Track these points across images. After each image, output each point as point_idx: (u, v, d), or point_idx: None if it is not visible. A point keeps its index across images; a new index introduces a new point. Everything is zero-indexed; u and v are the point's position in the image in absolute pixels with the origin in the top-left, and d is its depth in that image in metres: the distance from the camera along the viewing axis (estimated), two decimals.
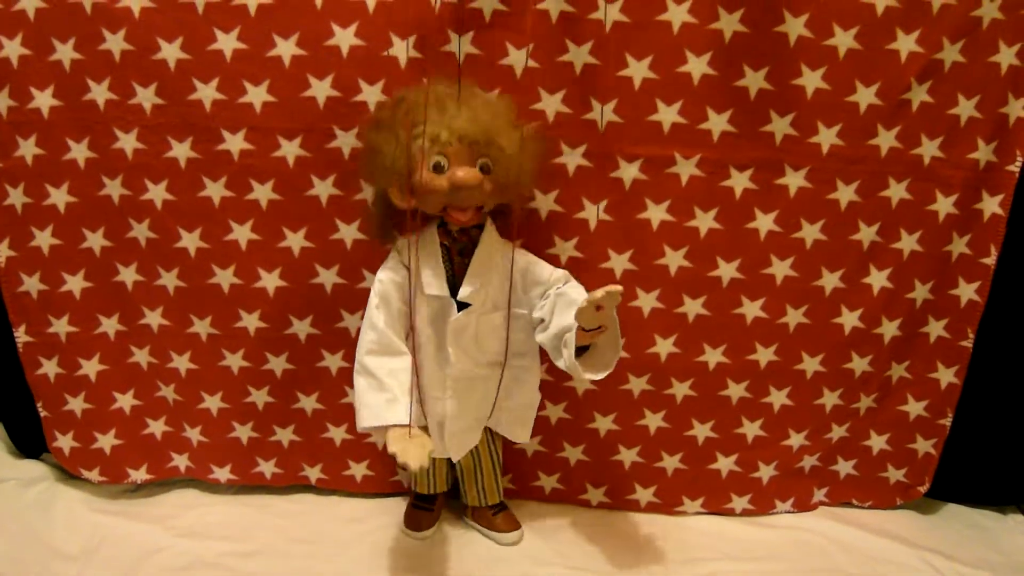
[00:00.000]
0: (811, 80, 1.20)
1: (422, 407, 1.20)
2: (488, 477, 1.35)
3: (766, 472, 1.44)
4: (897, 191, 1.27)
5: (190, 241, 1.29)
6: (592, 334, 1.05)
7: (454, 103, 1.09)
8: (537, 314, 1.17)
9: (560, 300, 1.13)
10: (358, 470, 1.44)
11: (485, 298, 1.17)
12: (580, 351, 1.08)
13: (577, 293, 1.13)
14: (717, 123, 1.22)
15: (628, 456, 1.42)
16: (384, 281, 1.15)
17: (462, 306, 1.15)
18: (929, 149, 1.25)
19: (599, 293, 0.97)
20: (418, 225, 1.13)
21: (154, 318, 1.36)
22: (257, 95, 1.21)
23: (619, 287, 0.97)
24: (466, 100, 1.10)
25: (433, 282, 1.15)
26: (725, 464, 1.43)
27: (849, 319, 1.34)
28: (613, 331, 1.07)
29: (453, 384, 1.19)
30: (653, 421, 1.40)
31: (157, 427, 1.44)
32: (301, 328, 1.35)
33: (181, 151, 1.24)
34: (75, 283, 1.34)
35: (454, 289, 1.16)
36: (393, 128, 1.07)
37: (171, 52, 1.19)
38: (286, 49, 1.19)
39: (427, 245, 1.16)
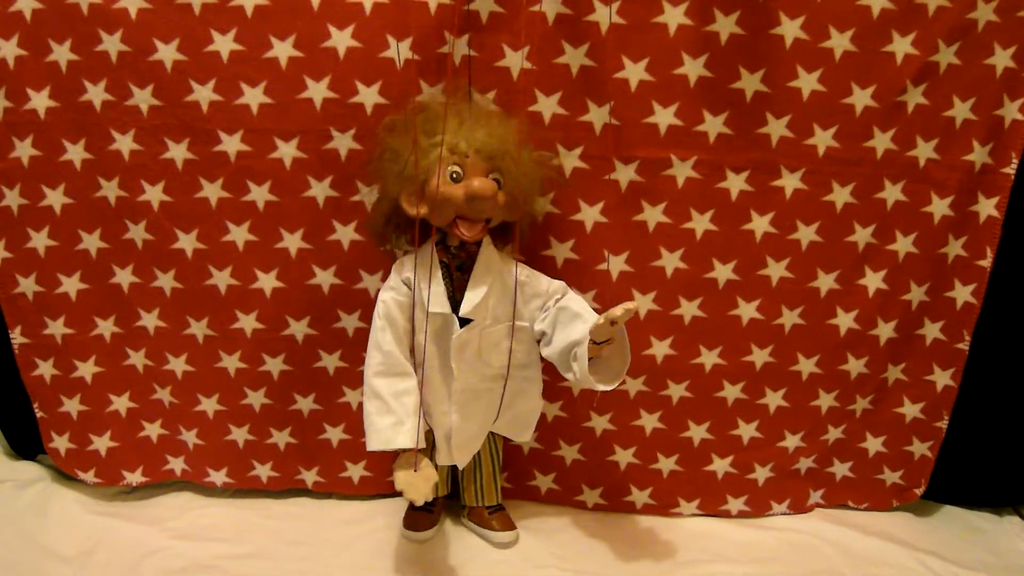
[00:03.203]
0: (807, 82, 1.20)
1: (428, 421, 1.21)
2: (487, 477, 1.35)
3: (762, 474, 1.44)
4: (892, 193, 1.27)
5: (187, 242, 1.29)
6: (601, 346, 1.07)
7: (472, 115, 1.11)
8: (539, 327, 1.18)
9: (562, 314, 1.14)
10: (355, 471, 1.44)
11: (486, 313, 1.17)
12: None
13: (578, 306, 1.14)
14: (713, 125, 1.22)
15: (624, 457, 1.42)
16: (387, 301, 1.16)
17: (463, 322, 1.16)
18: (924, 151, 1.25)
19: (618, 311, 0.99)
20: (418, 235, 1.14)
21: (150, 320, 1.36)
22: (254, 96, 1.21)
23: (636, 304, 1.01)
24: (481, 113, 1.12)
25: (435, 299, 1.15)
26: (721, 466, 1.43)
27: (845, 321, 1.34)
28: (621, 342, 1.09)
29: (458, 398, 1.19)
30: (649, 422, 1.40)
31: (153, 429, 1.44)
32: (298, 329, 1.34)
33: (178, 152, 1.24)
34: (71, 285, 1.34)
35: (455, 305, 1.16)
36: (411, 133, 1.08)
37: (168, 53, 1.19)
38: (283, 51, 1.19)
39: (426, 263, 1.16)
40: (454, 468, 1.35)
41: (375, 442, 1.12)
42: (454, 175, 1.08)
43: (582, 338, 1.07)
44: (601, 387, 1.09)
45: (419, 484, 1.09)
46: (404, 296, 1.16)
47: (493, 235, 1.20)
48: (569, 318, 1.12)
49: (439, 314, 1.16)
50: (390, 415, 1.12)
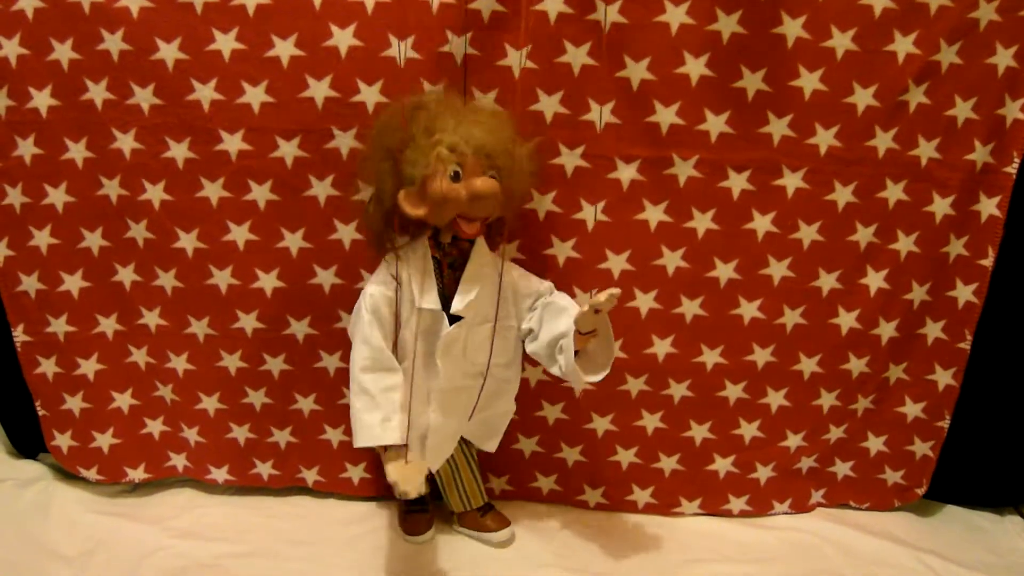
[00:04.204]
0: (809, 81, 1.20)
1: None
2: (468, 481, 1.34)
3: (764, 473, 1.44)
4: (894, 192, 1.27)
5: (188, 241, 1.29)
6: (587, 337, 1.07)
7: (470, 113, 1.10)
8: (526, 325, 1.19)
9: (548, 309, 1.15)
10: (355, 473, 1.44)
11: (476, 311, 1.17)
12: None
13: (565, 301, 1.15)
14: (715, 124, 1.22)
15: (626, 457, 1.42)
16: (375, 295, 1.14)
17: (453, 321, 1.15)
18: (926, 150, 1.25)
19: (602, 297, 0.99)
20: (411, 233, 1.14)
21: (152, 318, 1.36)
22: (255, 96, 1.21)
23: (618, 290, 1.00)
24: (477, 111, 1.12)
25: (426, 295, 1.15)
26: (722, 465, 1.43)
27: (846, 320, 1.34)
28: (606, 333, 1.09)
29: (439, 396, 1.18)
30: (650, 422, 1.40)
31: (155, 427, 1.44)
32: (299, 329, 1.34)
33: (179, 151, 1.24)
34: (73, 283, 1.34)
35: (444, 302, 1.16)
36: (411, 134, 1.08)
37: (169, 52, 1.19)
38: (284, 50, 1.19)
39: (419, 258, 1.15)
40: (432, 476, 1.33)
41: (363, 438, 1.11)
42: (454, 174, 1.08)
43: (567, 330, 1.07)
44: (587, 378, 1.09)
45: (411, 475, 1.07)
46: (392, 291, 1.15)
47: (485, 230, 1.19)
48: (555, 312, 1.13)
49: (428, 311, 1.15)
50: (378, 411, 1.11)
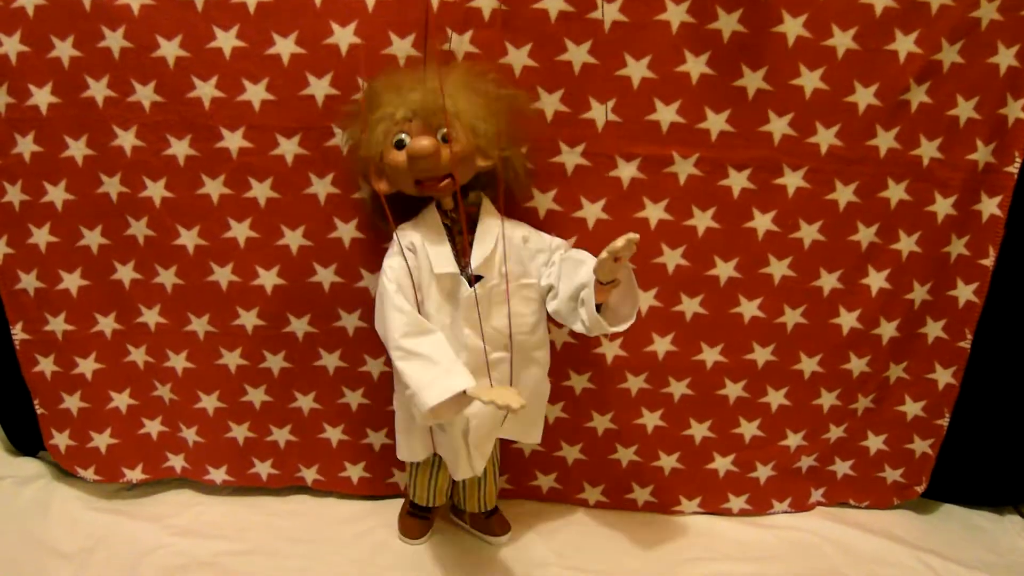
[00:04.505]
0: (809, 80, 1.20)
1: (436, 428, 1.19)
2: (491, 484, 1.34)
3: (763, 472, 1.44)
4: (896, 192, 1.27)
5: (188, 239, 1.29)
6: (608, 288, 1.04)
7: (410, 81, 1.09)
8: (545, 281, 1.16)
9: (566, 263, 1.13)
10: (354, 472, 1.44)
11: (493, 269, 1.14)
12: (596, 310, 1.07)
13: (582, 255, 1.13)
14: (715, 123, 1.22)
15: (625, 455, 1.42)
16: (394, 267, 1.13)
17: (471, 285, 1.13)
18: (928, 150, 1.25)
19: (619, 242, 0.97)
20: (390, 212, 1.13)
21: (151, 316, 1.36)
22: (256, 93, 1.20)
23: (636, 235, 0.97)
24: (419, 78, 1.10)
25: (441, 260, 1.13)
26: (722, 464, 1.43)
27: (847, 319, 1.34)
28: (628, 282, 1.07)
29: (471, 372, 1.11)
30: (650, 420, 1.40)
31: (153, 427, 1.44)
32: (299, 326, 1.34)
33: (180, 149, 1.24)
34: (72, 281, 1.33)
35: (462, 270, 1.14)
36: (361, 117, 1.10)
37: (170, 50, 1.18)
38: (285, 47, 1.18)
39: (430, 225, 1.15)
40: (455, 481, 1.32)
41: (434, 394, 1.03)
42: (401, 142, 1.07)
43: (588, 280, 1.05)
44: (612, 329, 1.07)
45: (505, 393, 1.00)
46: (408, 262, 1.13)
47: (485, 192, 1.18)
48: (574, 265, 1.11)
49: (447, 275, 1.13)
50: (436, 366, 1.06)
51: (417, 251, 1.14)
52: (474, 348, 1.13)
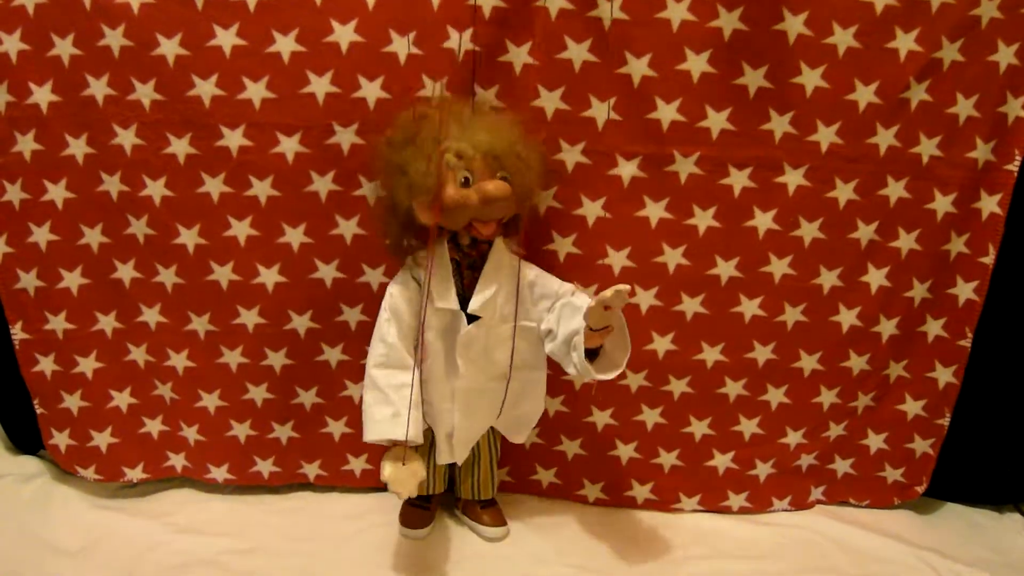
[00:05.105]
0: (810, 78, 1.20)
1: (429, 420, 1.22)
2: (484, 472, 1.35)
3: (763, 470, 1.44)
4: (896, 190, 1.27)
5: (188, 237, 1.29)
6: (600, 334, 1.06)
7: (474, 119, 1.12)
8: (545, 326, 1.19)
9: (566, 309, 1.15)
10: (357, 465, 1.44)
11: (494, 311, 1.18)
12: (590, 356, 1.09)
13: (583, 301, 1.14)
14: (716, 121, 1.22)
15: (625, 452, 1.42)
16: (395, 295, 1.17)
17: (471, 320, 1.17)
18: (928, 148, 1.25)
19: (608, 292, 0.99)
20: (433, 238, 1.13)
21: (152, 315, 1.36)
22: (256, 91, 1.20)
23: (627, 286, 0.99)
24: (479, 114, 1.14)
25: (443, 295, 1.16)
26: (722, 461, 1.43)
27: (847, 317, 1.34)
28: (621, 331, 1.09)
29: (462, 396, 1.21)
30: (650, 417, 1.40)
31: (154, 426, 1.44)
32: (300, 323, 1.34)
33: (180, 147, 1.24)
34: (72, 280, 1.33)
35: (463, 303, 1.17)
36: (418, 144, 1.09)
37: (170, 48, 1.18)
38: (285, 45, 1.18)
39: (438, 259, 1.17)
40: (453, 467, 1.35)
41: (372, 433, 1.14)
42: (464, 180, 1.09)
43: (581, 326, 1.07)
44: (599, 377, 1.09)
45: (405, 478, 1.11)
46: (412, 291, 1.17)
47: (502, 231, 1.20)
48: (572, 311, 1.13)
49: (447, 310, 1.17)
50: (388, 406, 1.13)
51: (422, 284, 1.16)
52: (467, 378, 1.19)
